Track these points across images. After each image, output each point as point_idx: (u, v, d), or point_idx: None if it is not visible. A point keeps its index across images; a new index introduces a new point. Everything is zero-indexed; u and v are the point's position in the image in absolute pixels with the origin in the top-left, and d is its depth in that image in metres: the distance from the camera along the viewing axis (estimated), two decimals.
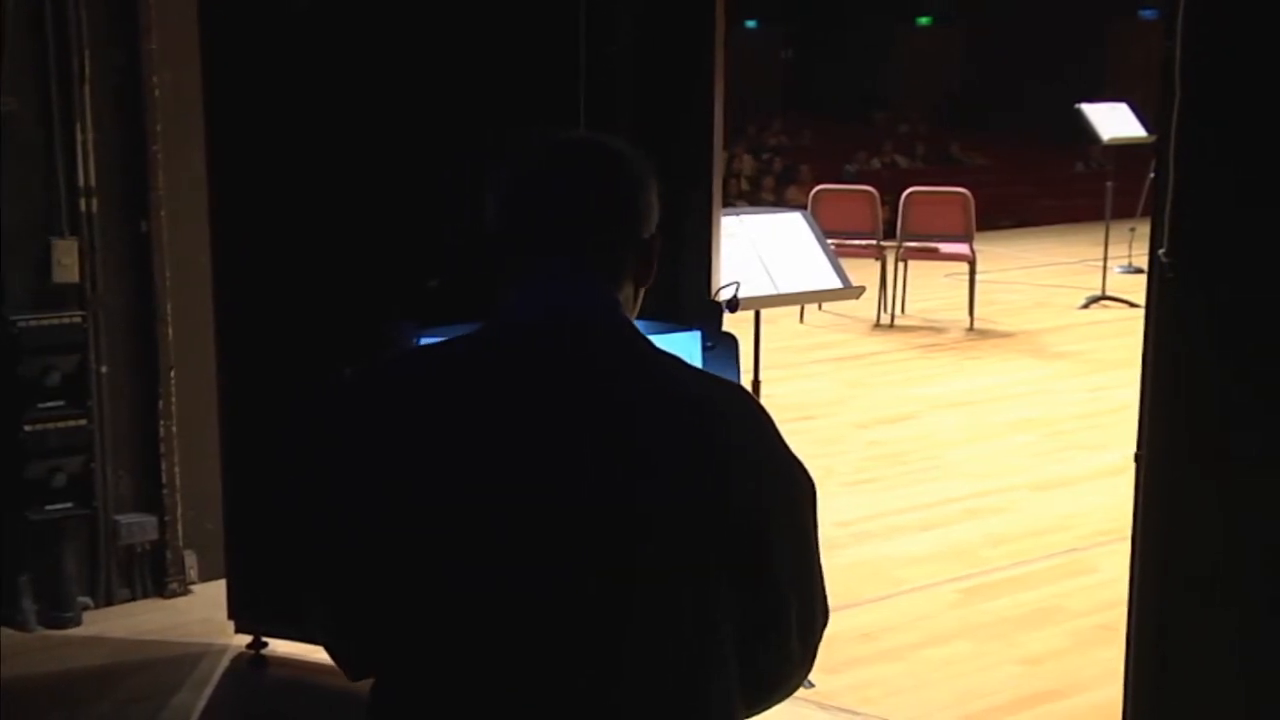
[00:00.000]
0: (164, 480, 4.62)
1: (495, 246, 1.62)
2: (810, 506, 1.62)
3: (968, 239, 9.45)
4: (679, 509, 1.49)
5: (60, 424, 4.39)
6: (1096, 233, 10.64)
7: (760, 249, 4.46)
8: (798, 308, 9.16)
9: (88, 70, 4.35)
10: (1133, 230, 10.14)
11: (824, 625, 1.64)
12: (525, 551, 1.47)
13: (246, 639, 4.27)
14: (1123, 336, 8.33)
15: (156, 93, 4.48)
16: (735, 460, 1.54)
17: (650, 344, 1.59)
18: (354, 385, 1.60)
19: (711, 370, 2.55)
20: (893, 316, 9.54)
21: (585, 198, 1.59)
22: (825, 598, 1.64)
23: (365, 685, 1.62)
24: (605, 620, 1.47)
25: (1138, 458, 2.97)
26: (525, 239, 1.60)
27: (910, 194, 9.71)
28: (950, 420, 7.18)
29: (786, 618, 1.59)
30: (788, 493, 1.59)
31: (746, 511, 1.53)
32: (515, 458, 1.48)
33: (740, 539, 1.53)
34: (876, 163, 18.06)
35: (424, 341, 2.56)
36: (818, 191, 10.04)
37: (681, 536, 1.49)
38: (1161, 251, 2.84)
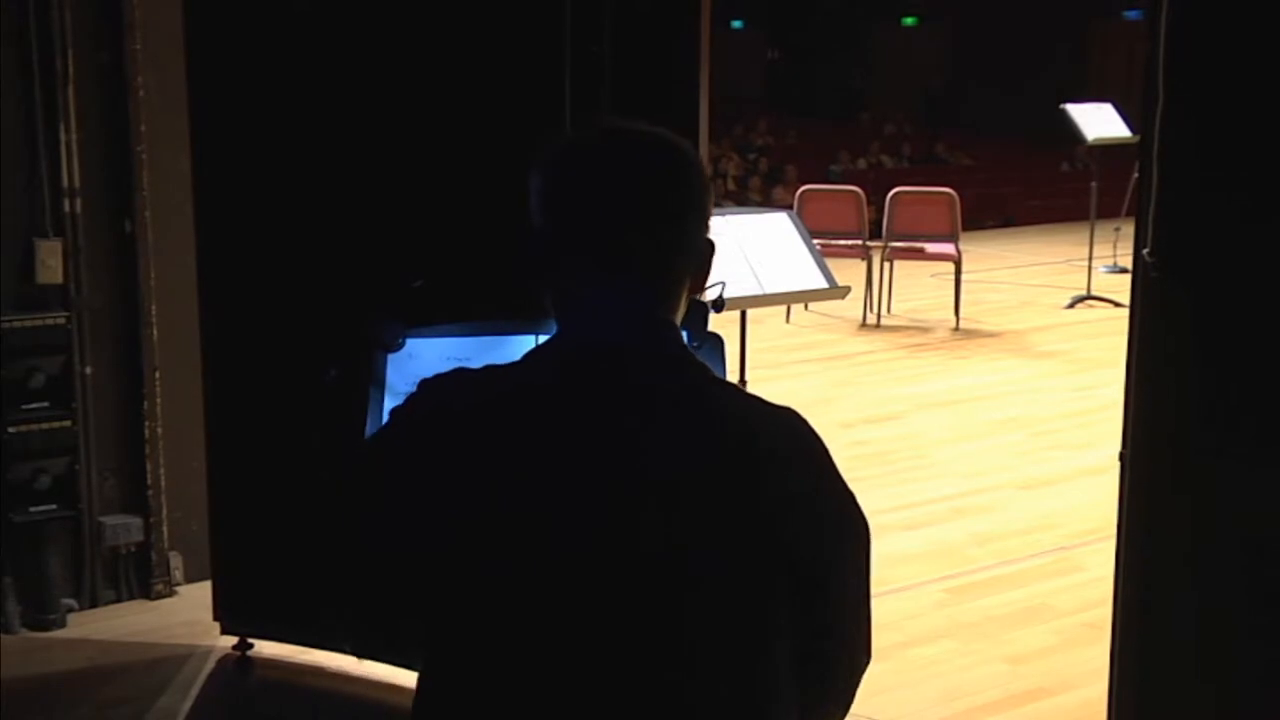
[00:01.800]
0: (149, 481, 4.61)
1: (542, 243, 1.52)
2: (865, 549, 1.58)
3: (953, 239, 9.47)
4: (727, 551, 1.45)
5: (44, 425, 4.37)
6: (1081, 232, 10.67)
7: (746, 249, 4.46)
8: (784, 308, 9.16)
9: (72, 71, 4.34)
10: (1117, 230, 10.16)
11: (866, 665, 1.62)
12: (568, 587, 1.43)
13: (232, 640, 4.26)
14: (1108, 336, 8.36)
15: (141, 93, 4.46)
16: (788, 501, 1.49)
17: (706, 372, 1.53)
18: (421, 404, 1.53)
19: None
20: (879, 316, 9.56)
21: (650, 201, 1.50)
22: (870, 638, 1.61)
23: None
24: (653, 664, 1.44)
25: (1122, 456, 2.97)
26: (580, 243, 1.51)
27: (896, 194, 9.72)
28: (937, 420, 7.19)
29: (840, 660, 1.57)
30: (844, 532, 1.55)
31: (802, 556, 1.49)
32: (565, 492, 1.44)
33: (795, 583, 1.49)
34: (862, 163, 18.09)
35: (412, 342, 2.56)
36: (803, 191, 10.05)
37: (729, 579, 1.45)
38: (1145, 251, 2.84)
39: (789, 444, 1.52)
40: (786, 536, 1.48)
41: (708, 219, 1.55)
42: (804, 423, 1.55)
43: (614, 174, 1.50)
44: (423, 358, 2.47)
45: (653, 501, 1.44)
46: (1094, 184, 10.31)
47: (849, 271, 8.10)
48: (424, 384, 1.54)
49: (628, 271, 1.50)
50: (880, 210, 9.81)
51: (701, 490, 1.45)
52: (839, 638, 1.56)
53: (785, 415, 1.55)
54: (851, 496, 1.57)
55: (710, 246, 1.56)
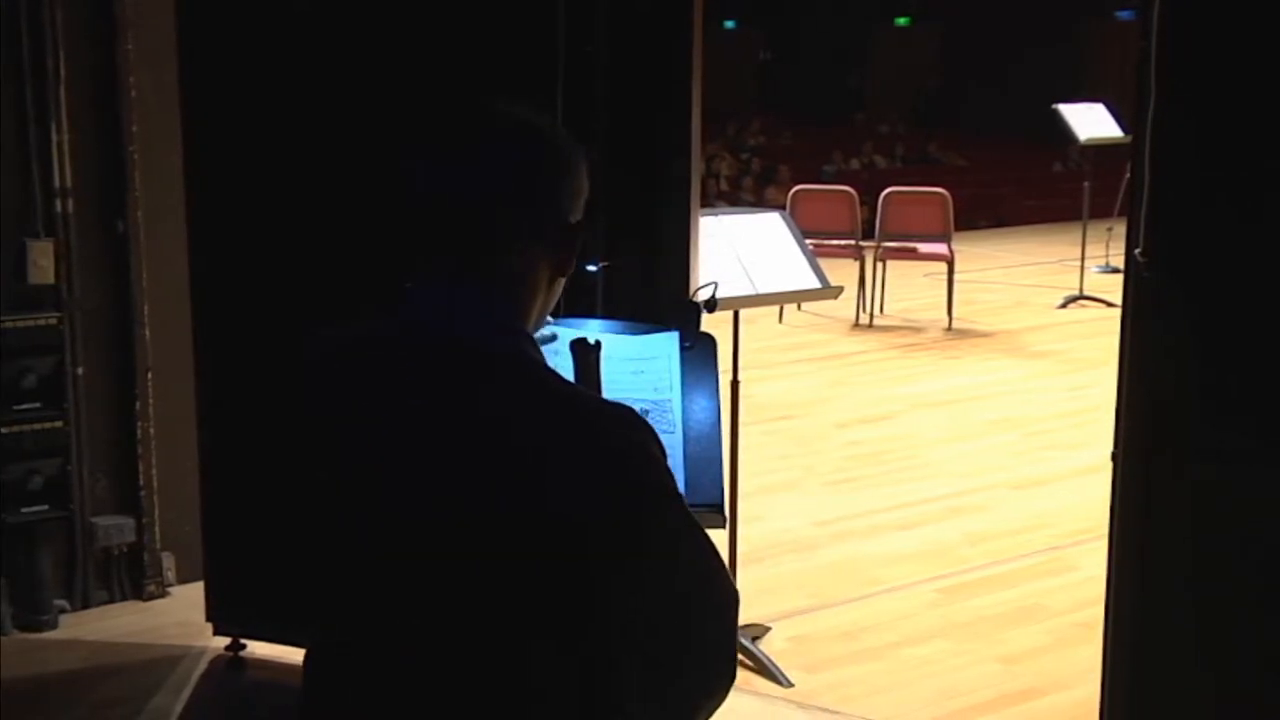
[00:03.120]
0: (141, 482, 4.60)
1: (403, 225, 1.59)
2: (680, 541, 1.52)
3: (946, 239, 9.48)
4: (552, 519, 1.43)
5: (36, 426, 4.36)
6: (1074, 232, 10.69)
7: (739, 249, 4.46)
8: (777, 308, 9.17)
9: (64, 71, 4.33)
10: (1110, 230, 10.19)
11: (732, 608, 1.56)
12: (397, 558, 1.50)
13: (225, 641, 4.26)
14: (1100, 336, 8.37)
15: (133, 93, 4.46)
16: (590, 504, 1.44)
17: (532, 361, 1.53)
18: (303, 363, 1.65)
19: (690, 370, 2.55)
20: (871, 316, 9.56)
21: (488, 188, 1.52)
22: (722, 589, 1.54)
23: None
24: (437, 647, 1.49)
25: (1114, 456, 2.98)
26: (424, 226, 1.56)
27: (889, 194, 9.73)
28: (930, 419, 7.20)
29: (613, 667, 1.51)
30: (647, 530, 1.48)
31: (582, 549, 1.45)
32: (395, 467, 1.49)
33: (609, 553, 1.45)
34: (855, 163, 18.10)
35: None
36: (796, 192, 10.06)
37: (530, 545, 1.44)
38: (1137, 251, 2.85)
39: (622, 426, 1.48)
40: (566, 552, 1.44)
41: (563, 199, 1.55)
42: (631, 424, 1.50)
43: (457, 162, 1.54)
44: None
45: (441, 499, 1.46)
46: (1086, 184, 10.33)
47: (842, 272, 8.11)
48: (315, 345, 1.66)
49: (472, 258, 1.53)
50: (873, 210, 9.82)
51: (489, 487, 1.44)
52: (647, 641, 1.49)
53: (621, 408, 1.52)
54: (670, 503, 1.50)
55: (576, 228, 1.57)
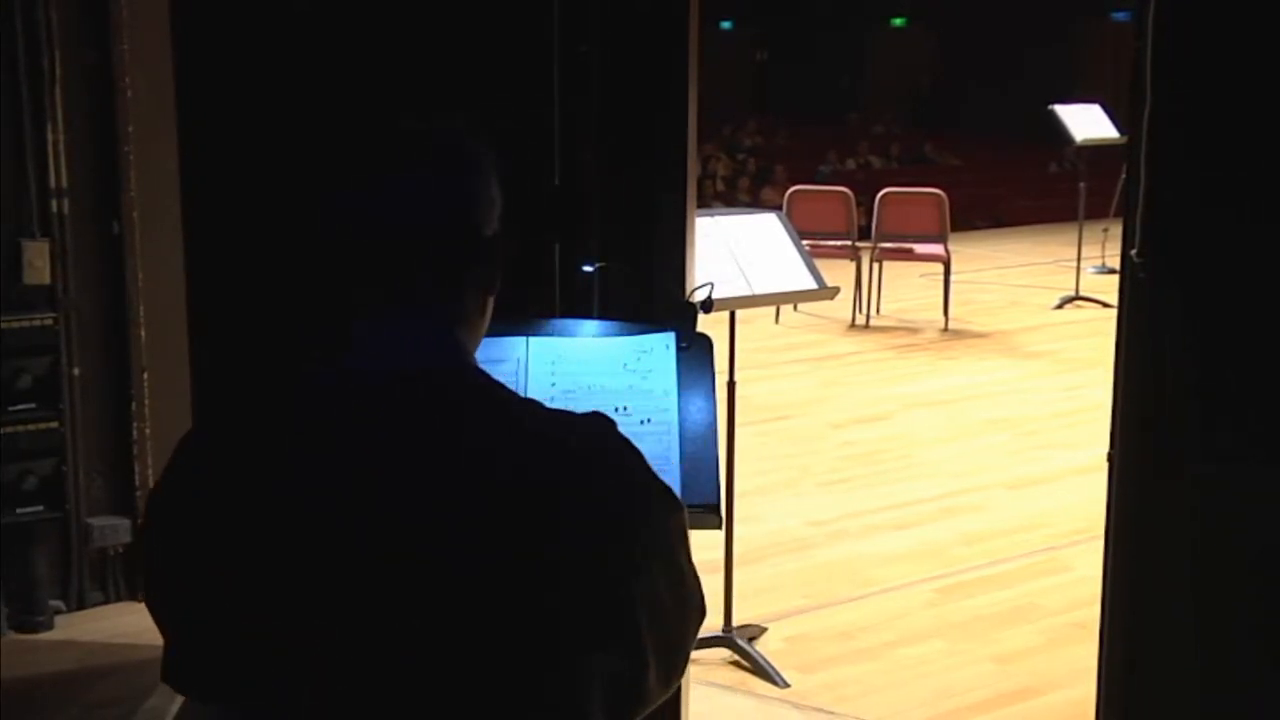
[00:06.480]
0: (137, 482, 4.59)
1: (324, 261, 1.49)
2: (680, 537, 1.48)
3: (942, 239, 9.49)
4: (516, 585, 1.37)
5: (31, 426, 4.36)
6: (1070, 233, 10.70)
7: (735, 250, 4.46)
8: (773, 308, 9.17)
9: (59, 71, 4.33)
10: (1106, 230, 10.20)
11: (698, 623, 1.52)
12: (362, 607, 1.39)
13: None
14: (1096, 336, 8.38)
15: (128, 93, 4.45)
16: (588, 524, 1.39)
17: (496, 392, 1.46)
18: (206, 437, 1.51)
19: (686, 370, 2.55)
20: (868, 317, 9.57)
21: (411, 212, 1.44)
22: (698, 601, 1.51)
23: None
24: (451, 676, 1.39)
25: (1110, 456, 2.98)
26: (353, 259, 1.48)
27: (885, 194, 9.73)
28: (925, 420, 7.20)
29: (645, 665, 1.45)
30: (654, 530, 1.45)
31: (603, 559, 1.40)
32: (354, 513, 1.39)
33: (599, 593, 1.41)
34: (851, 163, 18.12)
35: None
36: (792, 192, 10.06)
37: (528, 588, 1.38)
38: (1133, 252, 2.85)
39: (589, 460, 1.44)
40: (587, 564, 1.39)
41: (482, 213, 1.47)
42: (609, 436, 1.46)
43: (369, 191, 1.46)
44: None
45: (435, 537, 1.38)
46: (1082, 184, 10.33)
47: (838, 272, 8.10)
48: (190, 437, 1.52)
49: (403, 289, 1.46)
50: (869, 211, 9.82)
51: (490, 520, 1.38)
52: (655, 641, 1.44)
53: (591, 421, 1.47)
54: (662, 485, 1.47)
55: (494, 240, 1.49)
